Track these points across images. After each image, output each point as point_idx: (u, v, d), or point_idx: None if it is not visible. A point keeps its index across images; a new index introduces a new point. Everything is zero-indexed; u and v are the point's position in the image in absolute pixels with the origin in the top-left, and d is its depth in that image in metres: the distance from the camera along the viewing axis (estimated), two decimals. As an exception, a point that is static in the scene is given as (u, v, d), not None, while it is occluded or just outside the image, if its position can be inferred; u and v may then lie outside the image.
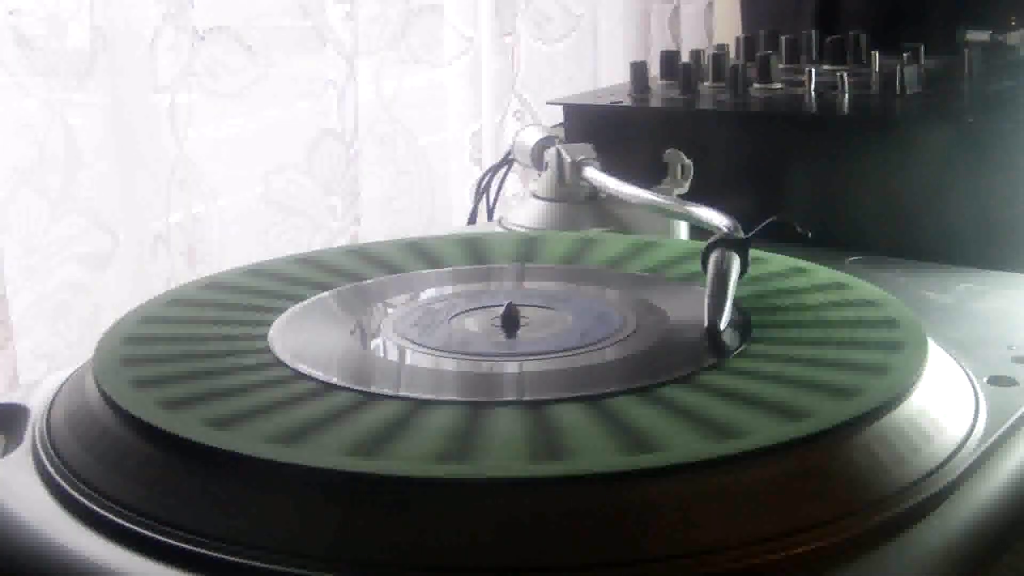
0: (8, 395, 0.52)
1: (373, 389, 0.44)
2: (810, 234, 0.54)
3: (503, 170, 0.90)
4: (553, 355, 0.47)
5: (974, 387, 0.46)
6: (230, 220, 0.92)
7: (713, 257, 0.52)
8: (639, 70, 0.85)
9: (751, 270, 0.53)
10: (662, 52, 0.91)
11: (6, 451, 0.45)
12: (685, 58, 0.87)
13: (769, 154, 0.75)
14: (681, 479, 0.37)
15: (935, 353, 0.46)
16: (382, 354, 0.49)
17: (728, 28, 1.34)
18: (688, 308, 0.51)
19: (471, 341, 0.49)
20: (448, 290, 0.57)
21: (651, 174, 0.70)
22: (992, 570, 0.38)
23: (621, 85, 0.88)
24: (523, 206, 0.74)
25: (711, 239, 0.53)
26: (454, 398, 0.44)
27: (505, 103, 1.17)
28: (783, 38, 0.93)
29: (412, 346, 0.49)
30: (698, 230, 0.61)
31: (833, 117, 0.75)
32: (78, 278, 0.83)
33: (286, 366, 0.46)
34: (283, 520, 0.37)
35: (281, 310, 0.52)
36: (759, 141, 0.76)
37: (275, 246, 0.94)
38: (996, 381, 0.47)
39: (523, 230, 0.70)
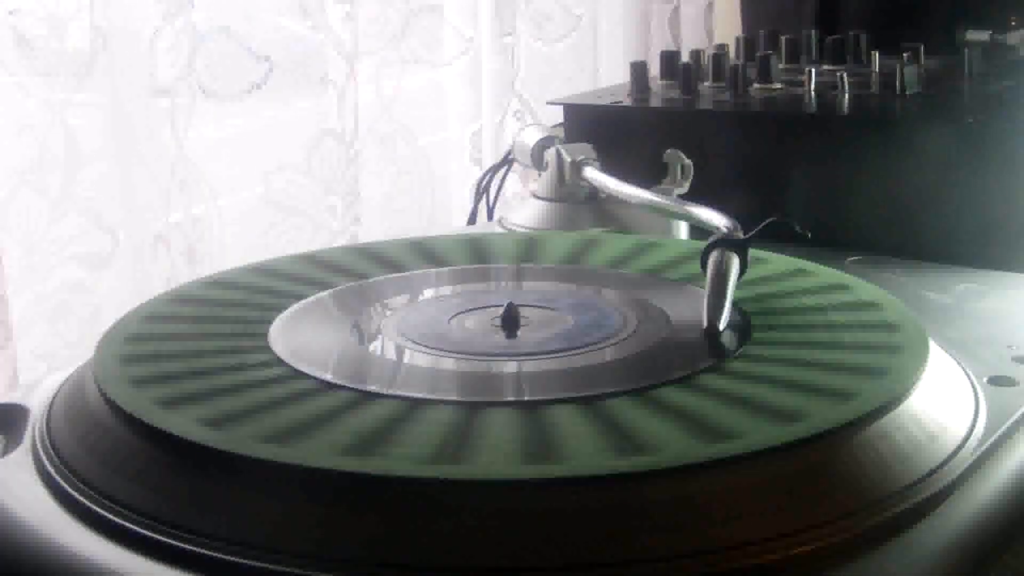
0: (8, 395, 0.52)
1: (369, 388, 0.44)
2: (810, 234, 0.54)
3: (503, 170, 0.89)
4: (551, 355, 0.47)
5: (974, 387, 0.46)
6: (230, 220, 0.92)
7: (712, 257, 0.52)
8: (639, 70, 0.85)
9: (751, 271, 0.53)
10: (662, 52, 0.91)
11: (6, 451, 0.45)
12: (685, 58, 0.87)
13: (769, 154, 0.75)
14: (682, 480, 0.37)
15: (935, 353, 0.46)
16: (380, 353, 0.49)
17: (728, 28, 1.33)
18: (689, 308, 0.51)
19: (470, 341, 0.49)
20: (448, 290, 0.57)
21: (651, 174, 0.70)
22: (992, 570, 0.38)
23: (621, 85, 0.88)
24: (523, 206, 0.74)
25: (711, 239, 0.53)
26: (448, 398, 0.43)
27: (505, 103, 1.17)
28: (783, 38, 0.93)
29: (410, 345, 0.48)
30: (698, 230, 0.61)
31: (833, 117, 0.75)
32: (78, 278, 0.83)
33: (286, 364, 0.46)
34: (276, 520, 0.36)
35: (283, 308, 0.52)
36: (759, 141, 0.76)
37: (275, 246, 0.94)
38: (996, 381, 0.47)
39: (523, 230, 0.70)
